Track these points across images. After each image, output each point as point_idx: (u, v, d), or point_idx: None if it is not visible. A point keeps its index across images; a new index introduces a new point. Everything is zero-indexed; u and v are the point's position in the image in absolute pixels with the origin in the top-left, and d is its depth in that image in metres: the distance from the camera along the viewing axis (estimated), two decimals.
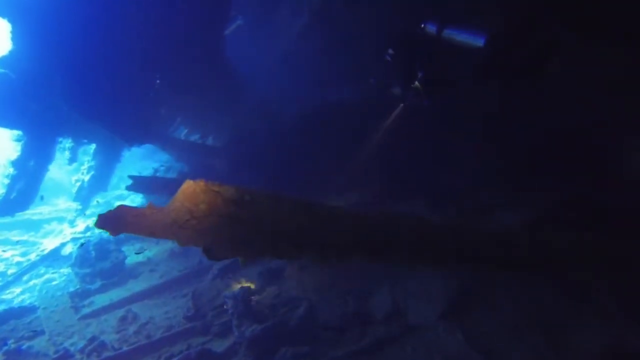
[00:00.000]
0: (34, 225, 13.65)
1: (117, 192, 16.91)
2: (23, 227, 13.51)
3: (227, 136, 10.79)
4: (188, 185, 2.30)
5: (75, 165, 9.90)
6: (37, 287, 8.16)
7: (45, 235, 12.78)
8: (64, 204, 12.40)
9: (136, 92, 8.24)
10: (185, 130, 12.63)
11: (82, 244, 7.93)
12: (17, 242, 11.05)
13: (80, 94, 6.00)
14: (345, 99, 9.71)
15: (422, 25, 4.16)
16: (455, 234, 2.93)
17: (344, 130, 9.08)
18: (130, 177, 7.39)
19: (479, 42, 3.68)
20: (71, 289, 7.46)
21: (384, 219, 2.73)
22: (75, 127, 7.49)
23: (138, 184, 7.35)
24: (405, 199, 6.93)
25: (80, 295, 7.21)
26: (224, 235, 2.28)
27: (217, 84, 10.19)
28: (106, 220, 2.26)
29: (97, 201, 10.82)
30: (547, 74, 3.90)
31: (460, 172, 7.27)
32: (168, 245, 9.50)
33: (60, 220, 13.07)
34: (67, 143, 8.50)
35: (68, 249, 8.64)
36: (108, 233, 2.39)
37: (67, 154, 8.86)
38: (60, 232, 11.11)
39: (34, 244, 11.54)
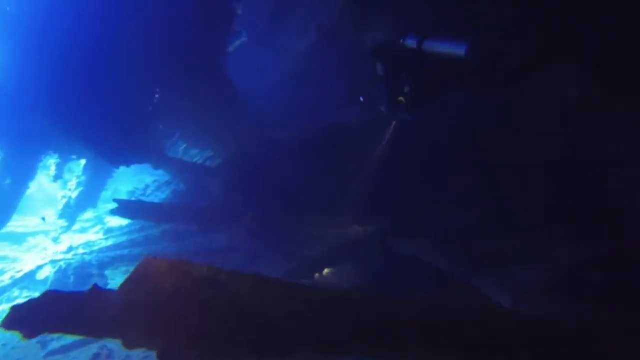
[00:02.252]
0: (18, 238, 13.08)
1: (109, 206, 16.40)
2: (7, 239, 12.94)
3: (224, 155, 10.41)
4: (147, 263, 1.79)
5: (60, 182, 9.39)
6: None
7: (29, 249, 12.20)
8: (53, 217, 11.86)
9: (131, 108, 7.85)
10: (184, 145, 12.25)
11: (60, 268, 7.35)
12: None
13: (64, 109, 5.53)
14: (349, 122, 9.34)
15: (402, 40, 4.12)
16: (473, 319, 2.41)
17: (347, 155, 8.66)
18: (116, 200, 6.88)
19: (460, 51, 3.64)
20: None
21: (389, 303, 2.21)
22: (62, 142, 7.02)
23: (123, 208, 6.83)
24: (411, 237, 6.41)
25: None
26: (190, 330, 1.76)
27: (217, 99, 9.91)
28: (16, 321, 1.73)
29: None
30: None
31: (473, 210, 6.81)
32: None
33: (47, 233, 12.51)
34: (53, 159, 8.00)
35: (45, 272, 8.06)
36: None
37: (52, 170, 8.36)
38: (44, 248, 10.53)
39: (13, 259, 10.94)
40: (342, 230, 6.31)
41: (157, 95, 9.42)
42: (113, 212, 6.90)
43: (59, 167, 8.23)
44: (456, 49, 3.68)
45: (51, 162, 7.96)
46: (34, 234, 12.92)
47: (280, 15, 11.60)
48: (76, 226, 12.51)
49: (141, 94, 8.64)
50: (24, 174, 7.12)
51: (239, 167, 9.31)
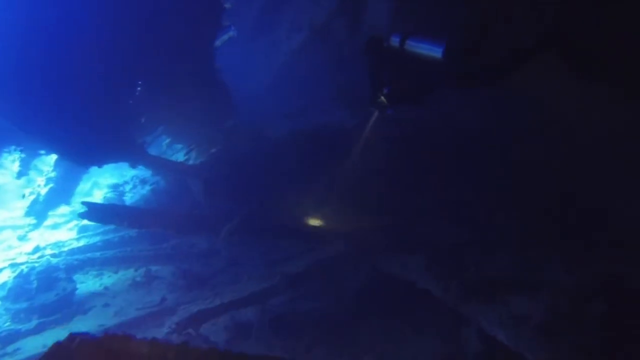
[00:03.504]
0: None
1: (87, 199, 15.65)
2: None
3: (209, 151, 9.95)
4: (64, 347, 1.35)
5: (24, 179, 8.72)
6: None
7: None
8: (20, 212, 11.14)
9: (108, 103, 7.30)
10: (168, 140, 11.73)
11: (21, 272, 6.76)
12: None
13: (22, 103, 4.94)
14: (342, 122, 8.97)
15: (388, 40, 4.14)
16: None
17: (338, 157, 8.29)
18: (85, 203, 6.33)
19: (437, 53, 3.68)
20: None
21: None
22: (26, 138, 6.43)
23: (93, 211, 6.30)
24: (402, 253, 6.07)
25: (3, 340, 6.01)
26: None
27: (203, 93, 9.44)
28: None
29: None
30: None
31: (468, 226, 6.52)
32: (130, 273, 8.44)
33: (15, 228, 11.78)
34: (16, 155, 7.35)
35: (3, 277, 7.43)
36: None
37: (15, 166, 7.70)
38: (8, 247, 9.85)
39: None
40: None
41: (139, 89, 8.90)
42: (82, 215, 6.35)
43: (24, 163, 7.60)
44: (434, 50, 3.70)
45: (15, 157, 7.32)
46: (1, 228, 12.16)
47: (271, 11, 11.16)
48: (49, 221, 11.82)
49: (121, 87, 8.09)
50: None
51: (223, 164, 8.85)
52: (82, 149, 5.98)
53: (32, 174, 8.85)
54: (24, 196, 8.73)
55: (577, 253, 5.18)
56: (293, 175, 8.28)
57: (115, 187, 11.99)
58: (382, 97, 4.41)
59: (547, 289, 4.58)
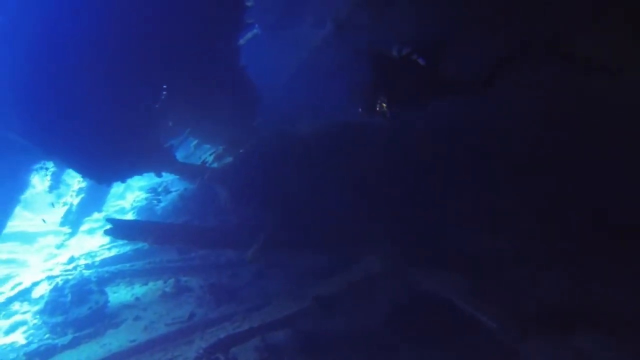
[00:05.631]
0: (29, 238, 12.85)
1: (120, 204, 16.04)
2: (18, 239, 12.74)
3: (235, 152, 9.75)
4: None
5: (55, 192, 8.86)
6: None
7: (40, 249, 11.95)
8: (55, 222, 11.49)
9: (132, 112, 7.16)
10: (195, 141, 11.71)
11: (56, 286, 6.84)
12: (4, 261, 10.18)
13: (41, 121, 4.77)
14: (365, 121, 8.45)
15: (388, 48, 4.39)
16: None
17: (365, 159, 7.80)
18: (109, 220, 6.24)
19: (422, 60, 3.99)
20: (33, 346, 6.35)
21: None
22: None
23: (118, 228, 6.19)
24: (438, 268, 5.55)
25: (41, 355, 6.10)
26: None
27: (228, 93, 9.23)
28: None
29: None
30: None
31: (506, 235, 5.90)
32: (160, 284, 8.44)
33: (57, 234, 12.20)
34: (48, 168, 7.39)
35: (41, 290, 7.62)
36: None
37: (47, 180, 7.77)
38: (50, 255, 10.15)
39: (22, 263, 10.65)
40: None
41: (164, 93, 8.79)
42: (107, 233, 6.27)
43: (55, 177, 7.65)
44: (420, 58, 3.99)
45: (47, 171, 7.38)
46: (44, 233, 12.65)
47: (294, 5, 10.71)
48: (85, 226, 12.15)
49: (145, 94, 7.96)
50: (13, 188, 6.55)
51: (249, 168, 8.58)
52: (103, 165, 5.83)
53: (62, 188, 8.99)
54: (52, 205, 8.88)
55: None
56: (321, 180, 7.90)
57: (154, 191, 11.90)
58: (383, 105, 4.53)
59: (614, 319, 3.95)
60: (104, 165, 5.80)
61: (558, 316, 4.00)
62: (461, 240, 5.88)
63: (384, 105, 4.51)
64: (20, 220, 13.77)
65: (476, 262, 5.50)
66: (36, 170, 6.58)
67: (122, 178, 6.51)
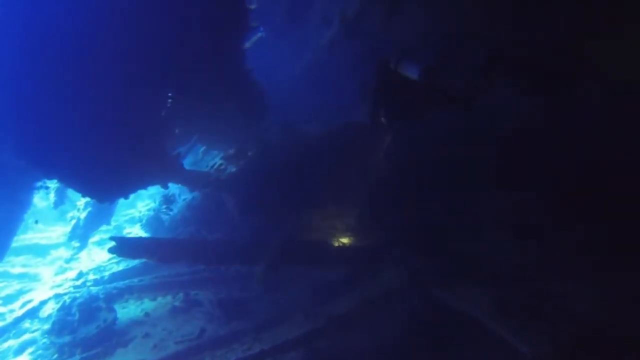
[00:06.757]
0: (41, 251, 12.85)
1: (130, 214, 15.99)
2: (30, 251, 12.75)
3: (244, 156, 9.49)
4: None
5: (60, 208, 8.72)
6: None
7: (52, 262, 11.92)
8: (63, 235, 11.44)
9: (138, 122, 6.95)
10: (203, 148, 11.52)
11: (63, 304, 6.67)
12: (17, 276, 10.13)
13: (35, 140, 4.53)
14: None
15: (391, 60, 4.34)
16: None
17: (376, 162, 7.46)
18: (113, 238, 6.02)
19: (414, 74, 3.97)
20: None
21: None
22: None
23: (122, 246, 5.97)
24: (459, 281, 5.17)
25: None
26: None
27: (235, 97, 8.99)
28: None
29: None
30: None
31: (527, 241, 5.48)
32: (169, 298, 8.23)
33: (68, 246, 12.16)
34: (49, 187, 7.24)
35: (48, 309, 7.48)
36: None
37: (51, 197, 7.61)
38: (60, 269, 10.07)
39: (34, 277, 10.60)
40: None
41: (170, 100, 8.60)
42: (111, 251, 6.06)
43: (59, 193, 7.50)
44: (413, 72, 3.95)
45: (47, 190, 7.23)
46: (56, 246, 12.62)
47: (299, 6, 10.41)
48: (95, 238, 12.07)
49: (151, 103, 7.76)
50: (14, 207, 6.39)
51: (257, 175, 8.31)
52: (104, 184, 5.59)
53: (68, 203, 8.86)
54: (37, 222, 8.63)
55: None
56: (330, 186, 7.58)
57: (166, 200, 11.63)
58: (382, 117, 4.62)
59: None
60: (104, 183, 5.58)
61: (597, 343, 3.59)
62: (487, 251, 5.48)
63: (382, 114, 4.64)
64: (34, 232, 13.82)
65: (502, 274, 5.11)
66: (37, 189, 6.41)
67: (125, 194, 6.29)
